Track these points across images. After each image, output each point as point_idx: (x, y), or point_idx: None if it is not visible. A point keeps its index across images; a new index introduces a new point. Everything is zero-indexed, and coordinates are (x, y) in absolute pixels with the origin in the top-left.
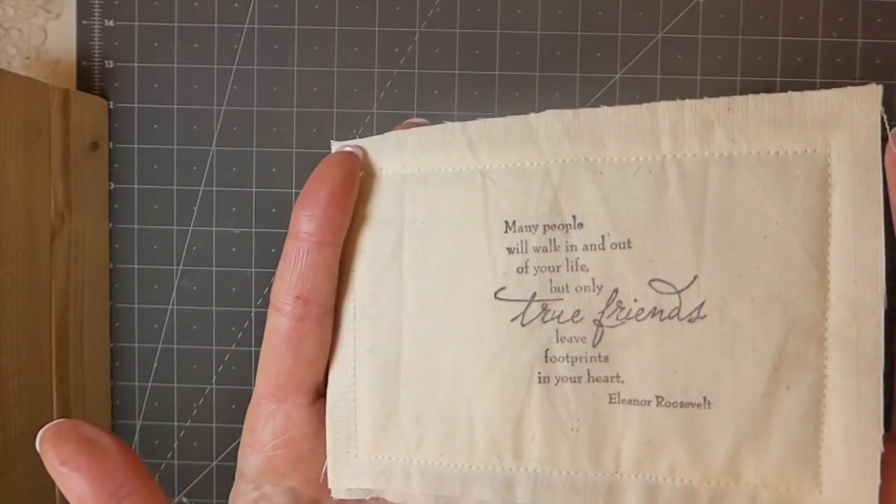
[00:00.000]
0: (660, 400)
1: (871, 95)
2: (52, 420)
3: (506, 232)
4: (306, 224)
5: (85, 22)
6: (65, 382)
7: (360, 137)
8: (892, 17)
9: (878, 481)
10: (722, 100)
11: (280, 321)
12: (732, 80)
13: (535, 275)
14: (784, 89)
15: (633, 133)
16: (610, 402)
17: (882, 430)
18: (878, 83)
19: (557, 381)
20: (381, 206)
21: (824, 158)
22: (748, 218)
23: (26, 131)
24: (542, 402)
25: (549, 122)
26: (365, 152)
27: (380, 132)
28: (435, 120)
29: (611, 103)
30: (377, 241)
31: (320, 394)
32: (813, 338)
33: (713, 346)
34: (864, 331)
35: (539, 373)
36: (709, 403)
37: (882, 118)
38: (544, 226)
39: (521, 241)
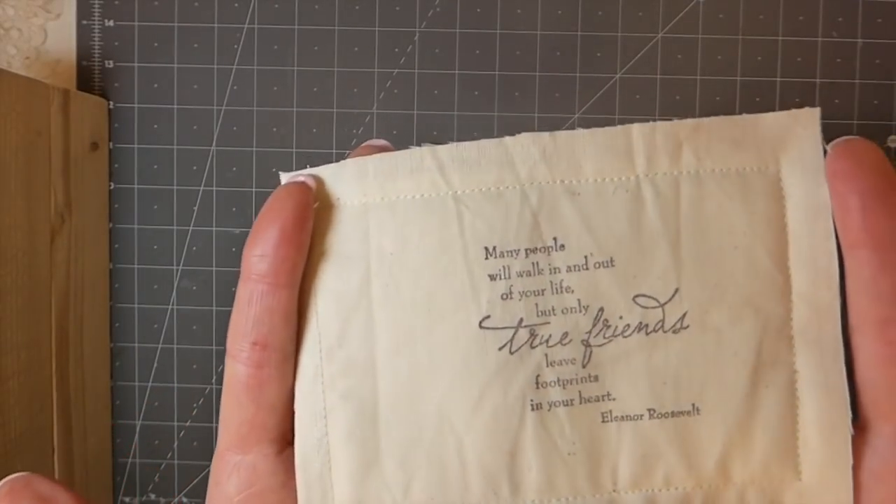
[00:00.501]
0: (652, 413)
1: (812, 117)
2: (52, 419)
3: (486, 258)
4: (258, 265)
5: (85, 22)
6: (65, 382)
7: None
8: (892, 17)
9: (850, 462)
10: (690, 121)
11: (238, 368)
12: (732, 80)
13: (520, 300)
14: (784, 89)
15: (610, 154)
16: (603, 421)
17: (850, 415)
18: (876, 82)
19: (550, 407)
20: (342, 239)
21: (776, 174)
22: (719, 230)
23: (26, 131)
24: (536, 429)
25: (525, 145)
26: (320, 182)
27: (380, 132)
28: (435, 120)
29: (611, 103)
30: (341, 277)
31: (288, 442)
32: (783, 338)
33: (697, 354)
34: (825, 326)
35: (531, 400)
36: (697, 410)
37: (820, 137)
38: (526, 249)
39: (504, 267)
